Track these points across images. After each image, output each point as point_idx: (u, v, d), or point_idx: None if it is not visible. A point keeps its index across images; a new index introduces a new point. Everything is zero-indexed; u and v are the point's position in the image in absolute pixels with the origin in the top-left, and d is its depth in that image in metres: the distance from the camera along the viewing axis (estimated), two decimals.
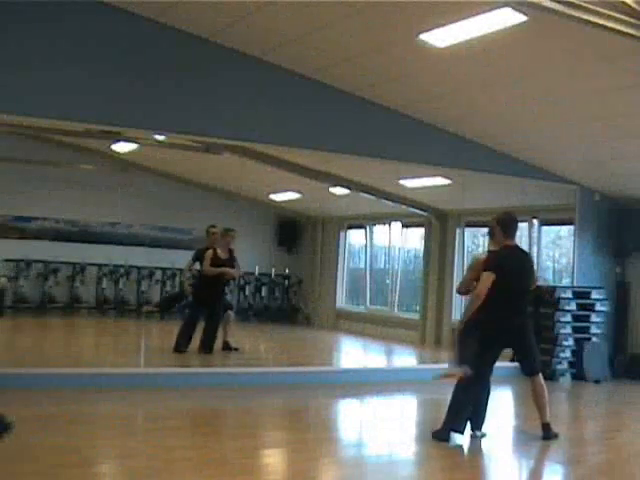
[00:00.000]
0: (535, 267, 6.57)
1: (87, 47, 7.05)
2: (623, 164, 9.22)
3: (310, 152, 9.16)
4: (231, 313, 10.35)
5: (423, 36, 6.39)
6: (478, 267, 6.05)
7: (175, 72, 7.49)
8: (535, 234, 11.80)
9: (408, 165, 9.63)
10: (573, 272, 10.32)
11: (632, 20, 5.12)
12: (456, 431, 5.84)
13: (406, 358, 12.65)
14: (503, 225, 6.01)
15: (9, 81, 6.65)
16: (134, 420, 6.51)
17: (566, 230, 11.71)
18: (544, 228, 11.85)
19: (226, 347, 10.15)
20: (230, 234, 10.02)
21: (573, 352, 9.84)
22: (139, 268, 15.26)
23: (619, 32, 5.16)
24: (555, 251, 12.76)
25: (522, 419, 7.27)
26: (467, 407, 5.88)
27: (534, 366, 6.04)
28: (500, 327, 5.91)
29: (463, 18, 5.92)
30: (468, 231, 13.19)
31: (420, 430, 6.27)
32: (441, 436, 5.79)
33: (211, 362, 9.65)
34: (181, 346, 9.74)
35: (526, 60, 6.84)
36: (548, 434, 5.97)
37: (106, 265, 15.01)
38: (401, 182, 11.71)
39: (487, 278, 5.78)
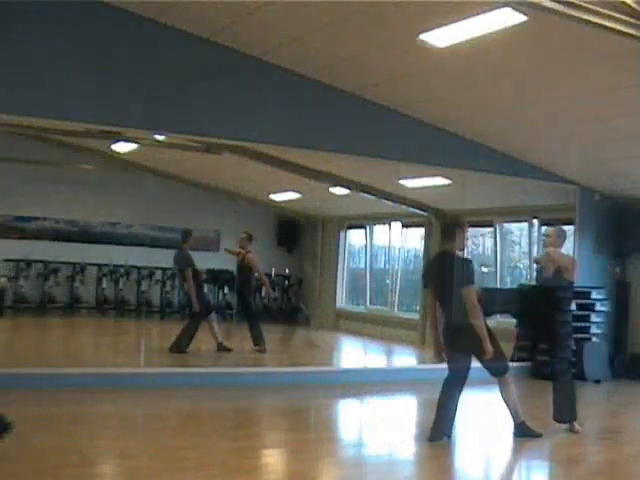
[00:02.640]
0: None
1: (87, 47, 7.04)
2: (623, 164, 9.22)
3: (310, 152, 9.16)
4: (214, 315, 10.39)
5: (423, 36, 6.37)
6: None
7: (175, 72, 7.48)
8: (535, 234, 11.81)
9: (408, 165, 9.62)
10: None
11: (632, 20, 5.11)
12: (447, 435, 5.88)
13: (406, 358, 12.65)
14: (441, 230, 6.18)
15: (9, 81, 6.64)
16: (134, 420, 6.51)
17: (566, 230, 11.70)
18: (544, 228, 11.85)
19: (221, 348, 10.17)
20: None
21: (573, 352, 9.82)
22: (139, 268, 15.25)
23: (619, 32, 5.16)
24: None
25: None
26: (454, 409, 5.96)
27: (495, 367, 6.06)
28: (445, 330, 6.04)
29: (463, 18, 5.91)
30: (468, 231, 13.15)
31: (420, 430, 6.28)
32: (435, 437, 5.83)
33: (211, 362, 9.66)
34: (183, 346, 9.77)
35: (526, 60, 6.84)
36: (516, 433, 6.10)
37: (106, 265, 15.01)
38: (401, 182, 11.71)
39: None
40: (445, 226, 6.18)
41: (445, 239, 6.09)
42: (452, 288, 5.84)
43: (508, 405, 6.08)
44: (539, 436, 6.08)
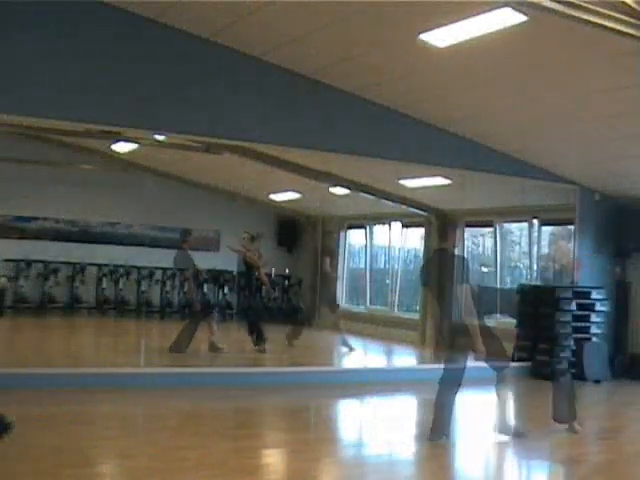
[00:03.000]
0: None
1: (87, 47, 7.05)
2: (623, 164, 9.22)
3: (310, 152, 9.16)
4: (215, 315, 10.47)
5: (423, 36, 6.38)
6: None
7: (175, 72, 7.49)
8: (535, 234, 11.80)
9: (408, 165, 9.62)
10: (573, 272, 10.31)
11: (632, 20, 5.12)
12: (445, 434, 5.88)
13: (406, 358, 12.65)
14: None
15: (9, 81, 6.64)
16: (134, 420, 6.51)
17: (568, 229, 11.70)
18: (544, 228, 11.85)
19: (212, 348, 10.19)
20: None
21: (573, 352, 9.84)
22: (139, 268, 15.25)
23: (619, 32, 5.16)
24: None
25: (522, 419, 7.28)
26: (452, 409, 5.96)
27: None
28: (443, 329, 6.07)
29: (463, 18, 5.91)
30: (468, 231, 13.18)
31: (420, 430, 6.28)
32: (434, 437, 5.82)
33: (211, 362, 9.66)
34: (182, 346, 9.78)
35: (526, 60, 6.84)
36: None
37: (106, 265, 15.01)
38: (401, 182, 11.71)
39: None
40: (442, 224, 6.26)
41: (442, 237, 6.16)
42: (450, 285, 5.89)
43: (499, 400, 6.11)
44: (522, 436, 6.07)
